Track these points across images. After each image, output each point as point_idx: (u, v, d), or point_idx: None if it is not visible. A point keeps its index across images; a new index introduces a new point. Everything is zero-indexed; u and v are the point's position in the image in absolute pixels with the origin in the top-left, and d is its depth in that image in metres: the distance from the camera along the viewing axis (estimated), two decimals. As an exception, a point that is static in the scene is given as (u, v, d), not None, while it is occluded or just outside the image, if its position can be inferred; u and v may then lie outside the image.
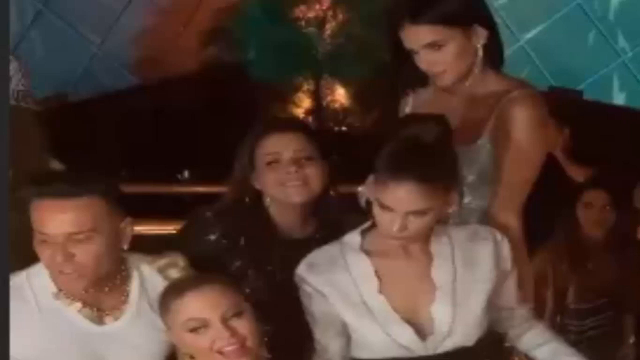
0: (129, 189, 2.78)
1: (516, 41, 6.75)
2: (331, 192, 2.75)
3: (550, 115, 2.83)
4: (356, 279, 2.48)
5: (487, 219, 2.71)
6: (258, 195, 2.74)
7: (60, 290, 2.47)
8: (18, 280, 2.49)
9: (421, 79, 2.79)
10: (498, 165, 2.71)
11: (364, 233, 2.53)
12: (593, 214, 4.39)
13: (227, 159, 2.79)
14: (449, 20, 2.64)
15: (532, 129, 2.69)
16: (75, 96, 6.67)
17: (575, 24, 6.77)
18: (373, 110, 6.93)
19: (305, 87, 7.23)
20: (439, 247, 2.52)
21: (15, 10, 5.94)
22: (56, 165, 3.57)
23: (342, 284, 2.48)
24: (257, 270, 2.69)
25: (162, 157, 6.23)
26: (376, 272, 2.48)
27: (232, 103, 6.51)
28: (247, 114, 5.17)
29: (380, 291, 2.47)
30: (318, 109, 7.24)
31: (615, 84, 6.85)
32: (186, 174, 6.61)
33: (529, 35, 6.91)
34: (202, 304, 2.38)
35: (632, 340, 4.41)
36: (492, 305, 2.54)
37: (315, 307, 2.50)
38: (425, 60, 2.69)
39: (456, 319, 2.47)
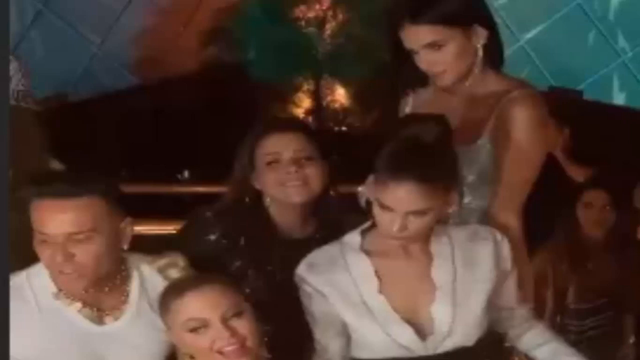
0: (129, 189, 2.78)
1: (516, 41, 6.74)
2: (331, 192, 2.75)
3: (550, 115, 2.83)
4: (356, 279, 2.48)
5: (487, 219, 2.71)
6: (258, 195, 2.73)
7: (60, 290, 2.47)
8: (18, 280, 2.48)
9: (421, 79, 2.79)
10: (498, 165, 2.71)
11: (364, 233, 2.53)
12: (593, 214, 4.39)
13: (227, 159, 2.78)
14: (449, 20, 2.64)
15: (532, 129, 2.69)
16: (75, 96, 6.67)
17: (575, 24, 6.76)
18: (373, 110, 6.92)
19: (305, 87, 7.23)
20: (439, 247, 2.51)
21: (15, 10, 5.94)
22: (56, 165, 3.56)
23: (342, 284, 2.48)
24: (257, 270, 2.69)
25: (162, 157, 6.22)
26: (376, 272, 2.48)
27: (232, 103, 6.50)
28: (247, 114, 5.16)
29: (380, 291, 2.47)
30: (318, 109, 7.24)
31: (615, 84, 6.85)
32: (186, 174, 6.60)
33: (529, 35, 6.90)
34: (202, 304, 2.38)
35: (632, 340, 4.41)
36: (492, 305, 2.54)
37: (315, 307, 2.50)
38: (425, 60, 2.69)
39: (456, 319, 2.46)
